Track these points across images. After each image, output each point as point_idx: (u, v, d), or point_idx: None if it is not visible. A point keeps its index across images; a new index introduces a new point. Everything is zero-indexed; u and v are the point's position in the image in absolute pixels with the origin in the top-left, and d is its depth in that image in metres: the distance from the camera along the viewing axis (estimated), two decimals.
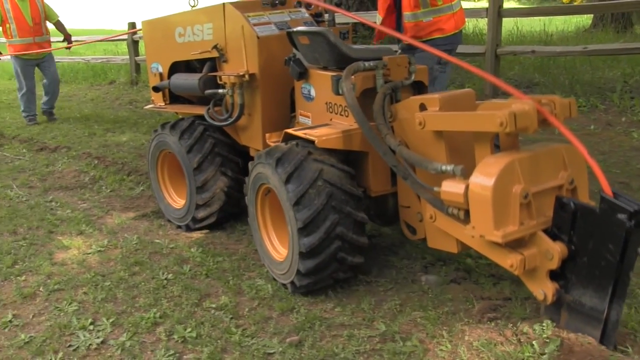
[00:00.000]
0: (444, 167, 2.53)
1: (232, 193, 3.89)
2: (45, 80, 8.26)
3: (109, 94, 10.85)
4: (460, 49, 7.38)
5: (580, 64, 7.72)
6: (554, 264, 2.37)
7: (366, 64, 3.03)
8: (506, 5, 7.45)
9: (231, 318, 2.87)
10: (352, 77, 2.99)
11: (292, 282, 3.01)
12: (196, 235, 3.93)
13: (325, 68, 3.26)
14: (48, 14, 8.16)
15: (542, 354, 2.34)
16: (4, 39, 8.19)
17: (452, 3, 3.69)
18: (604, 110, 6.28)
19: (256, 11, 3.65)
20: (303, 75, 3.34)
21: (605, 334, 2.32)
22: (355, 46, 3.31)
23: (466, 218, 2.48)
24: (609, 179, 2.28)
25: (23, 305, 3.10)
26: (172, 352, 2.61)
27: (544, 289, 2.44)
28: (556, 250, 2.35)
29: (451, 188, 2.49)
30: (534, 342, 2.42)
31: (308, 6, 3.85)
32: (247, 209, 3.38)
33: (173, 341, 2.70)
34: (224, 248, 3.72)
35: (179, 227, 4.06)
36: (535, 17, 10.91)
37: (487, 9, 7.15)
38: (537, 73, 7.61)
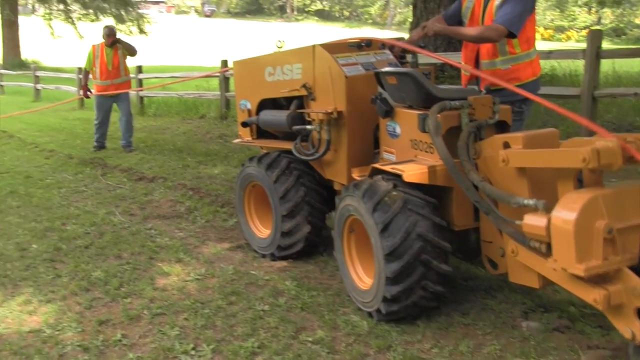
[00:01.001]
0: (526, 201, 2.61)
1: (315, 222, 4.09)
2: (121, 116, 9.17)
3: (199, 127, 11.36)
4: (554, 90, 7.19)
5: None
6: None
7: (452, 103, 3.17)
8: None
9: (328, 353, 2.92)
10: (438, 115, 3.12)
11: (384, 297, 3.07)
12: (290, 268, 4.05)
13: (410, 107, 3.40)
14: (129, 51, 9.08)
15: None
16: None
17: (530, 51, 3.66)
18: None
19: (343, 52, 3.86)
20: (389, 113, 3.48)
21: None
22: (440, 86, 3.44)
23: (548, 251, 2.53)
24: None
25: (130, 326, 3.32)
26: None
27: (631, 327, 2.41)
28: None
29: (533, 221, 2.55)
30: None
31: (392, 48, 4.02)
32: (333, 241, 3.54)
33: None
34: (318, 283, 3.81)
35: (264, 255, 4.28)
36: (636, 58, 10.21)
37: (584, 50, 6.87)
38: (639, 116, 7.21)
